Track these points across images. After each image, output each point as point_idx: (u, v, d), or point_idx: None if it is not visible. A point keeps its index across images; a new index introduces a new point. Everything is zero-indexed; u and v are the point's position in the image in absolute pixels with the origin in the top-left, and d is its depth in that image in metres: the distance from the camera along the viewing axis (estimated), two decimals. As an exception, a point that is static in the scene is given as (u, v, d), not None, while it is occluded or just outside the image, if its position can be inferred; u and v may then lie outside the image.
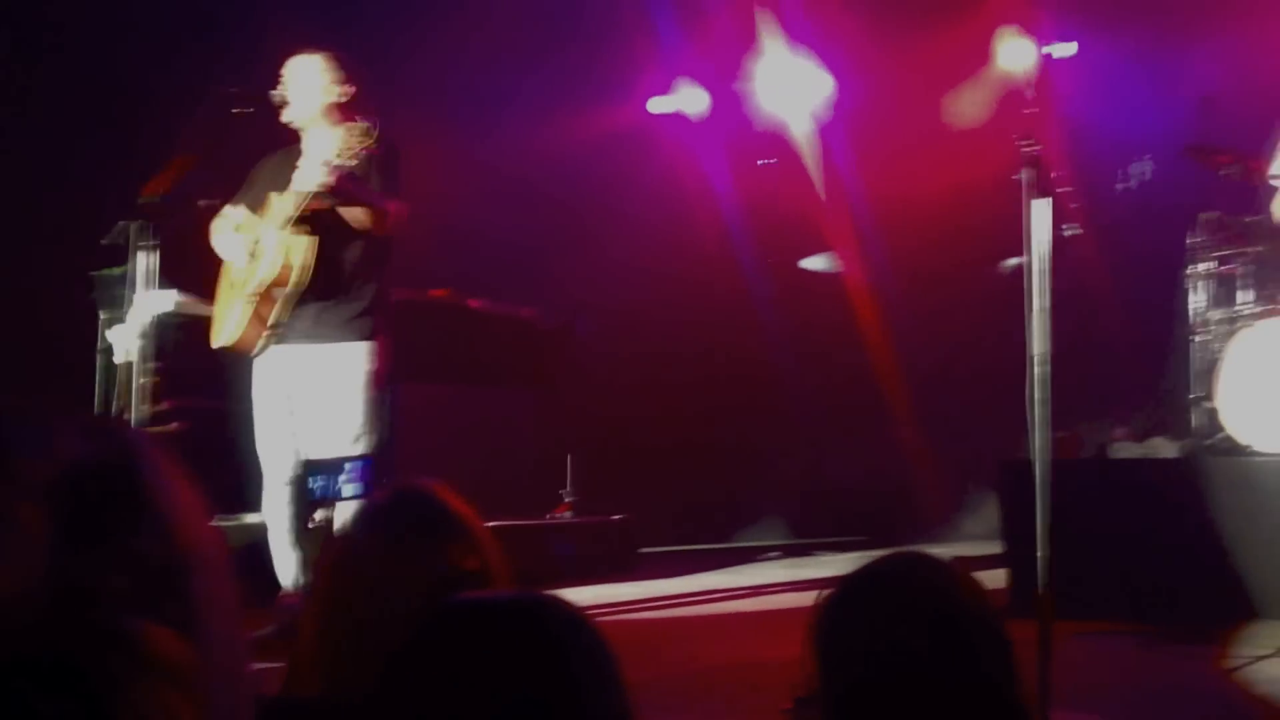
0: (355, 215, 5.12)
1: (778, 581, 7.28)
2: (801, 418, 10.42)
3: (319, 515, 5.10)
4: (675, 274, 10.23)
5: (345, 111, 5.34)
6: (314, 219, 5.10)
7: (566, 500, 8.50)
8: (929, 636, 1.76)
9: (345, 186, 5.00)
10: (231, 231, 5.31)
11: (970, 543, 8.29)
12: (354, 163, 4.96)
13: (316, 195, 5.01)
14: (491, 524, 7.35)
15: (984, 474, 7.91)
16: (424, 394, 7.89)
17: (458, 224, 9.06)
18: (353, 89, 5.35)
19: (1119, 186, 7.51)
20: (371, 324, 5.25)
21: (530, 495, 8.50)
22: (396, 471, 5.37)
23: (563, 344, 9.27)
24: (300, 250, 5.11)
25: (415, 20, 9.12)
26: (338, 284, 5.19)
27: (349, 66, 5.40)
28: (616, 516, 8.53)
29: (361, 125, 4.98)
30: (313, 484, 4.54)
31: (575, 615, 1.31)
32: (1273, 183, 4.83)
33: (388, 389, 5.36)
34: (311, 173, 4.98)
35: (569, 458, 8.62)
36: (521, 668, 1.23)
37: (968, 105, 9.32)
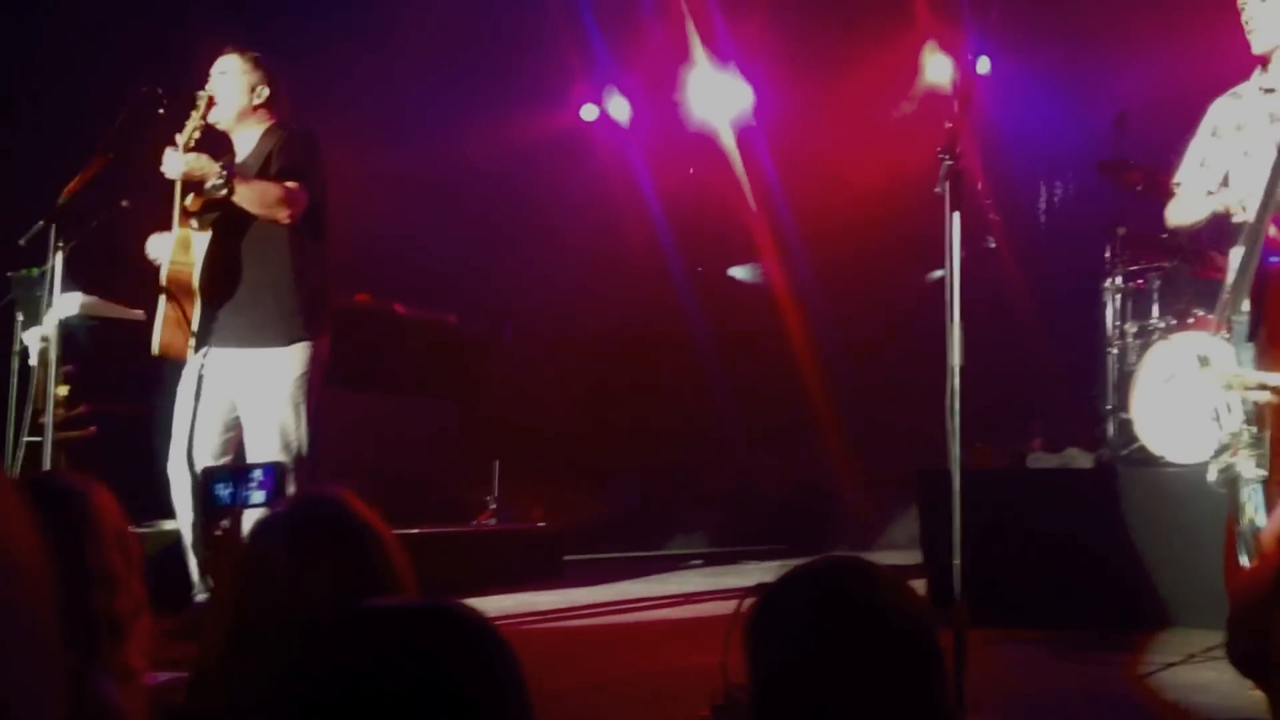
0: (248, 203, 5.05)
1: (700, 590, 7.30)
2: (727, 427, 10.46)
3: (224, 523, 5.03)
4: (603, 281, 10.24)
5: (268, 111, 5.32)
6: (212, 218, 5.07)
7: (491, 507, 8.47)
8: (858, 641, 1.77)
9: (212, 176, 4.97)
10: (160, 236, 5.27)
11: (893, 551, 8.37)
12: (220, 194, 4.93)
13: (207, 193, 4.98)
14: (413, 532, 7.34)
15: (907, 483, 7.99)
16: (346, 401, 7.82)
17: (382, 229, 9.00)
18: (273, 90, 5.32)
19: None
20: (302, 328, 5.18)
21: (455, 503, 8.47)
22: (315, 479, 5.32)
23: (488, 350, 9.23)
24: (193, 250, 5.09)
25: (342, 22, 9.06)
26: (261, 288, 5.13)
27: (271, 68, 5.37)
28: (541, 524, 8.51)
29: (220, 167, 4.97)
30: (220, 491, 4.45)
31: (478, 622, 1.31)
32: (1174, 189, 4.95)
33: (318, 395, 5.30)
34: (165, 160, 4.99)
35: (494, 465, 8.59)
36: (420, 675, 1.23)
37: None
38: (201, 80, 5.32)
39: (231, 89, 5.26)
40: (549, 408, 9.82)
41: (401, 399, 8.36)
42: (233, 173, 4.97)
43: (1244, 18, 4.56)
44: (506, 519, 8.46)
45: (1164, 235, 6.86)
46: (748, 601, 1.86)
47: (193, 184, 5.12)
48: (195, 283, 5.10)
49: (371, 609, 1.34)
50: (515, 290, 9.95)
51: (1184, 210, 4.93)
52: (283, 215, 5.11)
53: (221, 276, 5.11)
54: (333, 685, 1.23)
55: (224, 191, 4.94)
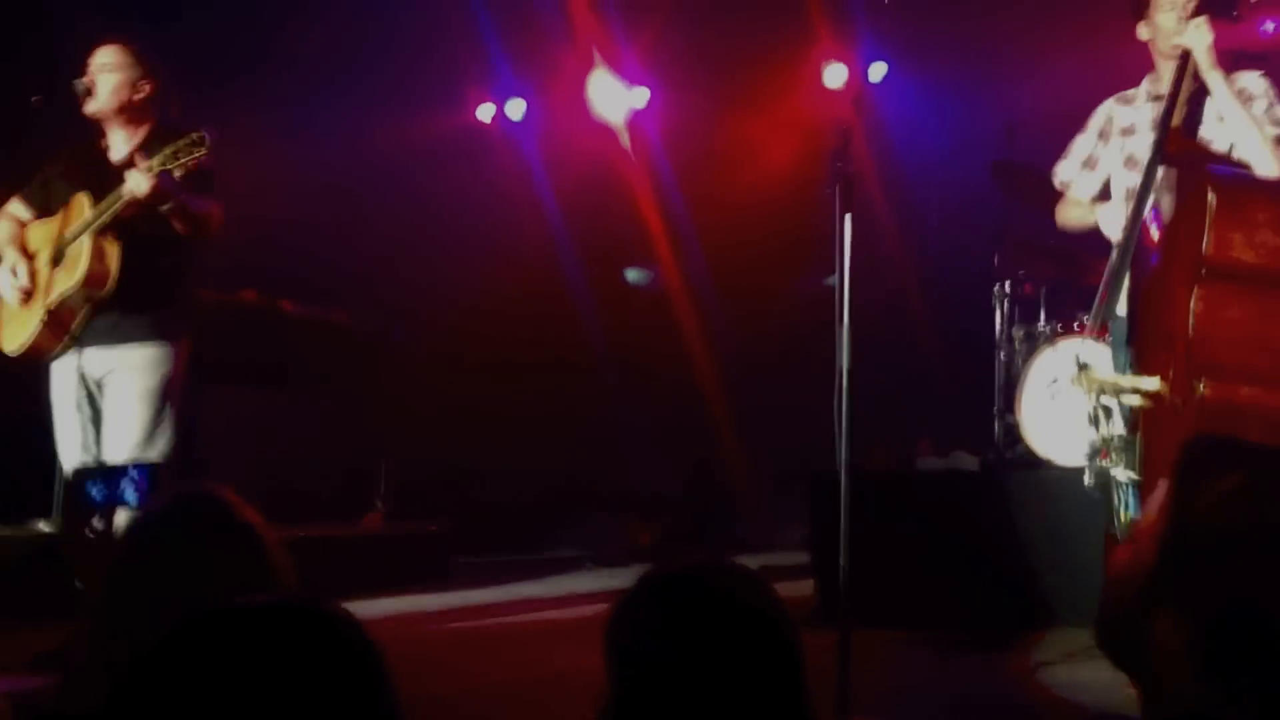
0: (176, 222, 4.92)
1: (591, 591, 7.28)
2: (621, 428, 10.45)
3: (97, 523, 4.90)
4: (498, 282, 10.17)
5: (151, 108, 5.18)
6: (129, 225, 4.90)
7: (380, 508, 8.37)
8: (715, 643, 1.75)
9: (165, 192, 4.80)
10: (12, 232, 5.10)
11: (786, 553, 8.41)
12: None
13: (134, 202, 4.80)
14: (299, 533, 7.20)
15: (800, 485, 8.04)
16: (232, 398, 7.69)
17: (273, 226, 8.87)
18: (156, 83, 5.17)
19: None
20: (172, 327, 5.07)
21: (343, 503, 8.36)
22: (194, 478, 5.20)
23: (378, 350, 9.12)
24: (113, 258, 4.91)
25: (235, 17, 8.91)
26: (146, 289, 5.00)
27: (155, 60, 5.22)
28: (431, 526, 8.42)
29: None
30: (93, 490, 4.36)
31: (343, 621, 1.28)
32: (1057, 185, 5.03)
33: (187, 394, 5.17)
34: (134, 179, 4.77)
35: (383, 465, 8.48)
36: (282, 673, 1.20)
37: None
38: (81, 71, 5.16)
39: (111, 83, 5.10)
40: (441, 408, 9.73)
41: (289, 397, 8.23)
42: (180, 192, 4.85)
43: (1179, 13, 4.55)
44: (395, 520, 8.37)
45: (1051, 242, 6.99)
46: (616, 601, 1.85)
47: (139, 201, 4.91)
48: (103, 288, 4.92)
49: (234, 607, 1.31)
50: (408, 289, 9.85)
51: (1070, 213, 5.01)
52: (207, 235, 5.01)
53: (127, 280, 4.96)
54: (194, 683, 1.21)
55: (169, 206, 4.83)
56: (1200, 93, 4.53)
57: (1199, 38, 4.41)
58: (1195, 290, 4.05)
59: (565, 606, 6.91)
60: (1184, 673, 1.33)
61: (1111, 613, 1.54)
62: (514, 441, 9.93)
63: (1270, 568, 1.30)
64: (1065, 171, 4.98)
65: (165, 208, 4.83)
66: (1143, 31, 4.72)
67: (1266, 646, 1.27)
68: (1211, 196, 4.07)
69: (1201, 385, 3.98)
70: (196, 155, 4.73)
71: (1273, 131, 4.44)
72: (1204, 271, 4.05)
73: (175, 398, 5.03)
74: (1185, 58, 4.48)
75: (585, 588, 7.56)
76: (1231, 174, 4.31)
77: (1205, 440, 1.57)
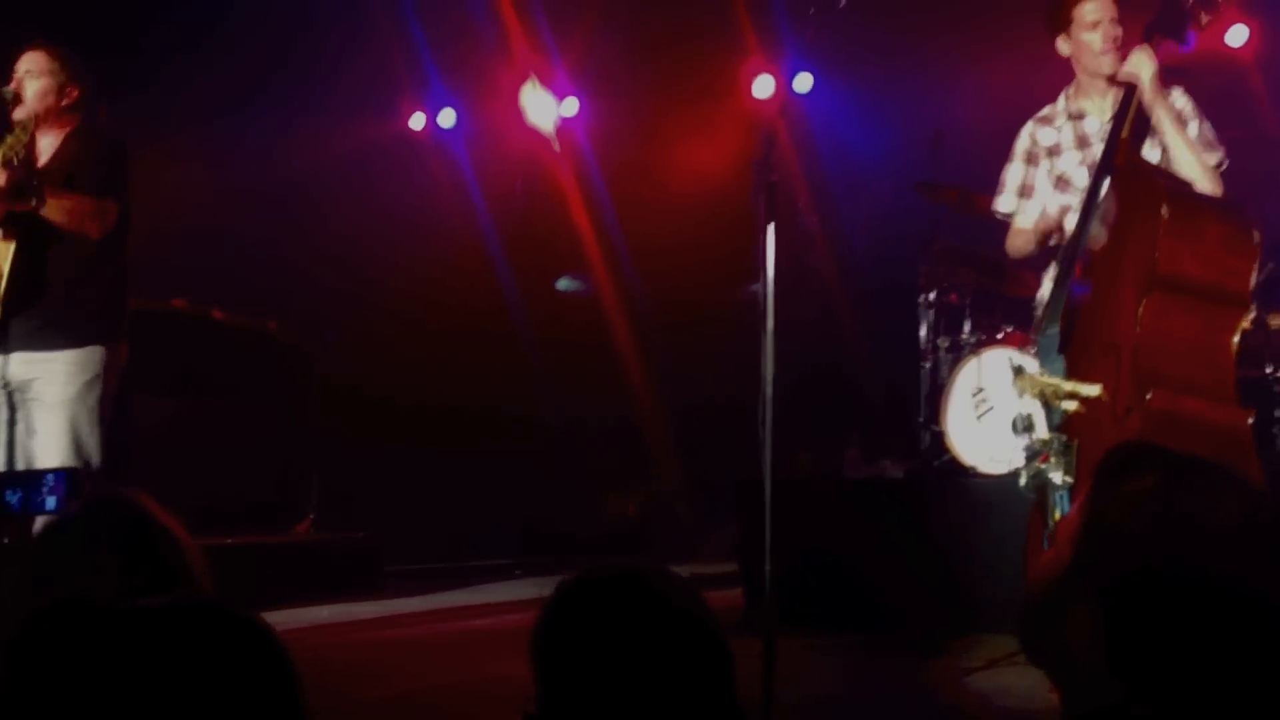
0: (57, 216, 4.89)
1: (520, 598, 7.27)
2: (553, 435, 10.44)
3: (12, 532, 4.83)
4: (429, 289, 10.14)
5: (78, 113, 5.14)
6: (20, 222, 4.87)
7: (309, 517, 8.31)
8: (644, 646, 1.76)
9: (17, 184, 4.78)
10: None
11: (716, 560, 8.43)
12: (15, 161, 4.77)
13: (12, 203, 4.79)
14: (228, 541, 7.15)
15: (730, 492, 8.08)
16: (161, 407, 7.61)
17: (204, 234, 8.81)
18: (82, 89, 5.14)
19: None
20: (98, 332, 5.02)
21: (272, 512, 8.29)
22: (115, 484, 5.14)
23: (309, 357, 9.07)
24: (4, 258, 4.88)
25: (165, 24, 8.84)
26: (61, 293, 4.96)
27: (80, 66, 5.18)
28: (360, 533, 8.38)
29: (21, 122, 4.82)
30: (10, 497, 4.28)
31: (248, 622, 1.28)
32: (999, 217, 5.07)
33: (115, 401, 5.12)
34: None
35: (313, 474, 8.43)
36: (183, 673, 1.20)
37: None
38: (7, 78, 5.11)
39: (38, 88, 5.06)
40: (373, 416, 9.68)
41: (218, 405, 8.16)
42: (43, 184, 4.81)
43: (1103, 37, 4.63)
44: (324, 529, 8.32)
45: (975, 252, 7.09)
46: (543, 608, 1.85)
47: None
48: None
49: (137, 608, 1.31)
50: (339, 297, 9.80)
51: (1020, 243, 5.00)
52: (92, 231, 4.96)
53: (18, 280, 4.91)
54: (96, 683, 1.20)
55: (34, 202, 4.79)
56: (1141, 114, 4.59)
57: (1145, 68, 4.46)
58: (1144, 300, 4.11)
59: (495, 614, 6.89)
60: (1095, 668, 1.36)
61: (1031, 613, 1.58)
62: (446, 449, 9.89)
63: (1173, 564, 1.33)
64: (1004, 204, 5.03)
65: (32, 202, 4.80)
66: (1063, 47, 4.77)
67: (1169, 640, 1.31)
68: (1165, 209, 4.12)
69: (1146, 394, 4.04)
70: (20, 142, 4.75)
71: (1211, 159, 4.54)
72: (1154, 283, 4.10)
73: (102, 405, 4.99)
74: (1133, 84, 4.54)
75: (516, 595, 7.55)
76: (1185, 189, 4.37)
77: (1125, 445, 1.60)
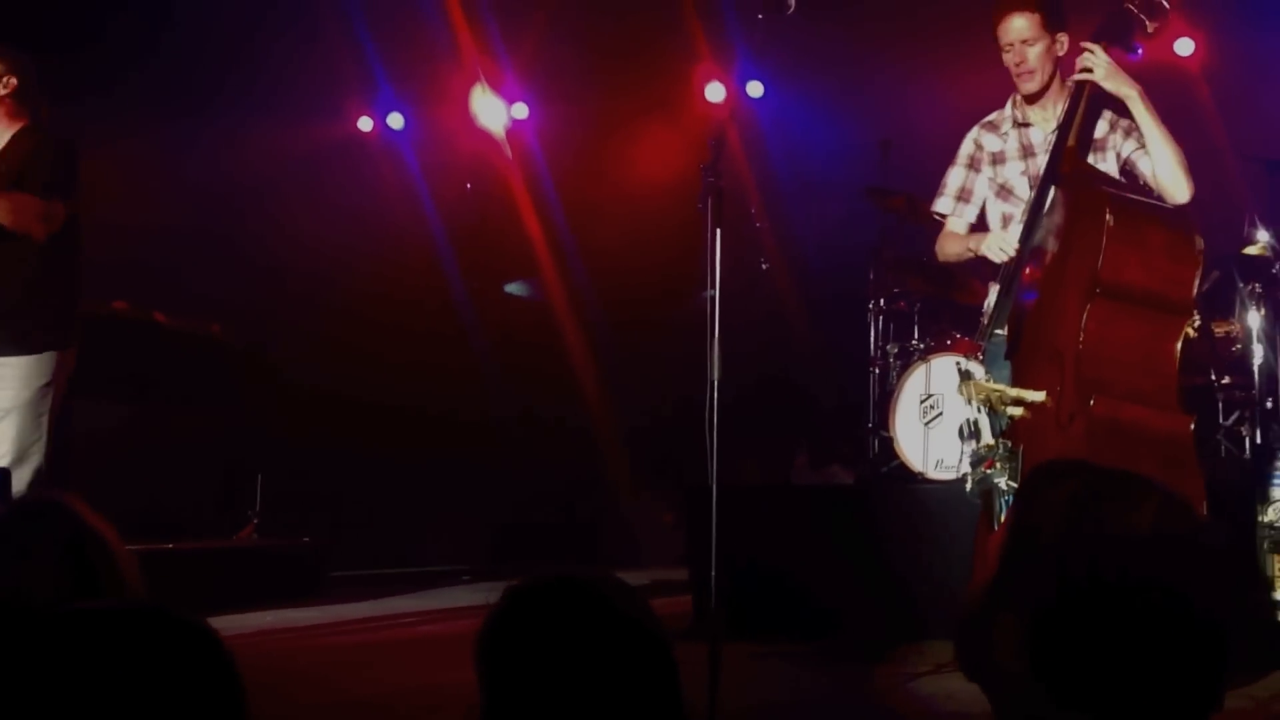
0: (7, 219, 4.81)
1: (467, 604, 7.23)
2: (502, 442, 10.39)
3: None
4: (377, 293, 10.09)
5: (18, 107, 5.07)
6: None
7: (252, 522, 8.23)
8: (588, 652, 1.74)
9: None
10: None
11: (665, 567, 8.42)
12: None
13: None
14: (170, 547, 7.05)
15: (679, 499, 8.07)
16: (103, 411, 7.51)
17: (146, 235, 8.72)
18: (24, 85, 5.06)
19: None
20: (49, 338, 4.96)
21: (216, 517, 8.21)
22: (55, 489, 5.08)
23: (254, 361, 8.98)
24: None
25: (113, 26, 8.75)
26: (4, 293, 4.89)
27: (22, 61, 5.11)
28: (305, 539, 8.30)
29: None
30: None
31: (189, 626, 1.26)
32: (936, 218, 5.08)
33: (57, 405, 5.05)
34: None
35: (257, 478, 8.35)
36: (124, 677, 1.18)
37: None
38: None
39: None
40: (319, 421, 9.61)
41: (160, 409, 8.06)
42: None
43: (1011, 61, 4.62)
44: (268, 534, 8.24)
45: (924, 260, 7.12)
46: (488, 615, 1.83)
47: None
48: None
49: (72, 611, 1.28)
50: (285, 301, 9.73)
51: (949, 246, 5.02)
52: (38, 232, 4.89)
53: None
54: (35, 687, 1.19)
55: None
56: (1090, 119, 4.60)
57: (1098, 66, 4.44)
58: (1088, 307, 4.12)
59: (442, 620, 6.86)
60: (1020, 675, 1.37)
61: (963, 624, 1.58)
62: (392, 454, 9.83)
63: (1089, 573, 1.35)
64: (942, 205, 5.03)
65: None
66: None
67: (1089, 648, 1.32)
68: (1110, 216, 4.14)
69: (1088, 401, 4.06)
70: None
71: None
72: (1098, 290, 4.12)
73: (50, 410, 4.93)
74: (1080, 85, 4.53)
75: (462, 601, 7.51)
76: (1129, 196, 4.37)
77: (1056, 460, 1.62)
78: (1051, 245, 4.46)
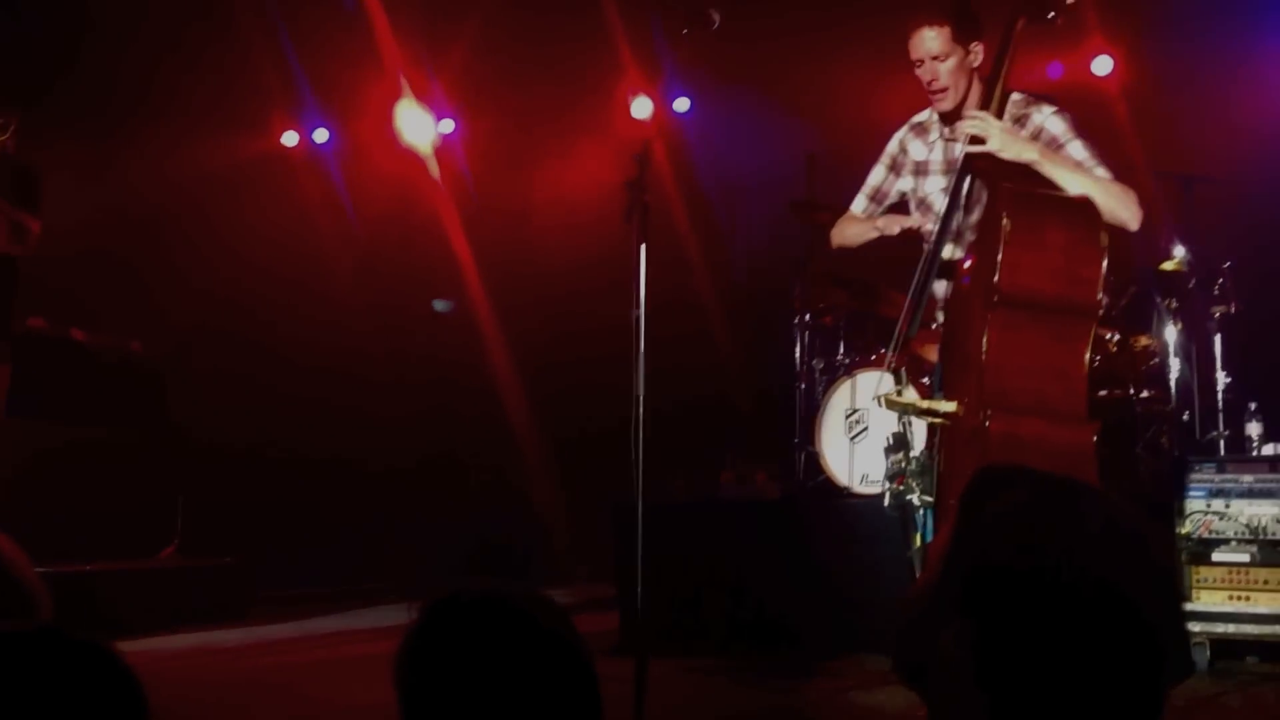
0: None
1: (394, 623, 7.14)
2: (430, 458, 10.32)
3: None
4: (301, 309, 9.99)
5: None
6: None
7: (174, 542, 8.10)
8: (509, 669, 1.72)
9: None
10: None
11: (592, 584, 8.40)
12: None
13: None
14: (88, 568, 6.91)
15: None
16: (19, 429, 7.36)
17: (65, 251, 8.57)
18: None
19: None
20: None
21: (137, 537, 8.07)
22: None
23: (176, 378, 8.85)
24: None
25: (38, 41, 8.63)
26: None
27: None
28: (229, 559, 8.18)
29: None
30: None
31: (91, 648, 1.23)
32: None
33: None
34: None
35: (180, 497, 8.22)
36: (19, 701, 1.14)
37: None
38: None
39: None
40: (244, 438, 9.49)
41: (79, 427, 7.92)
42: None
43: (923, 78, 4.49)
44: (191, 554, 8.11)
45: (849, 274, 7.16)
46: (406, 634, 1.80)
47: None
48: None
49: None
50: (208, 317, 9.60)
51: (848, 228, 4.92)
52: (16, 250, 4.81)
53: None
54: None
55: None
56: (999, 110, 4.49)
57: (990, 134, 4.25)
58: (989, 316, 4.01)
59: (367, 640, 6.78)
60: (964, 686, 1.37)
61: (902, 632, 1.58)
62: (317, 472, 9.73)
63: (1038, 580, 1.34)
64: (856, 205, 4.97)
65: None
66: None
67: (1036, 657, 1.32)
68: (1006, 221, 4.00)
69: (986, 417, 3.97)
70: None
71: (1105, 173, 4.33)
72: (996, 298, 4.00)
73: None
74: (993, 83, 4.37)
75: (389, 620, 7.43)
76: (1027, 194, 4.17)
77: (996, 465, 1.62)
78: (972, 248, 4.40)
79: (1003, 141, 4.23)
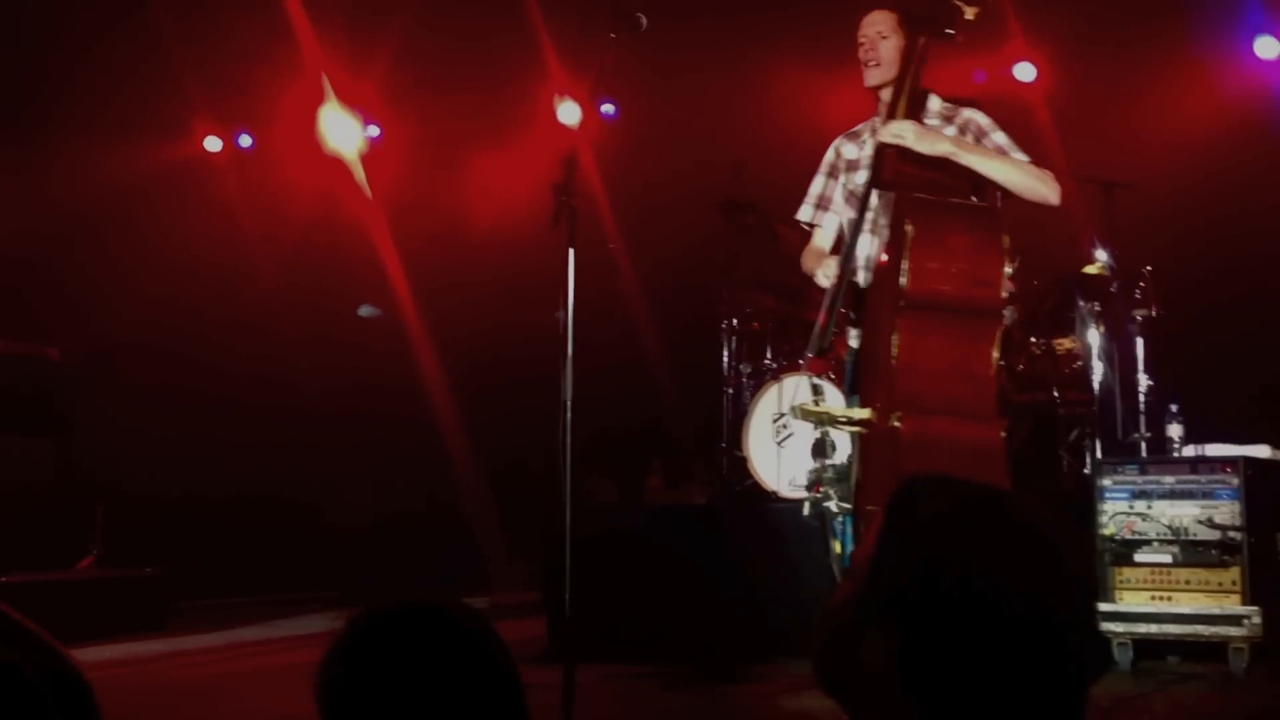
0: None
1: (317, 631, 7.07)
2: (355, 465, 10.22)
3: None
4: (226, 317, 9.86)
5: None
6: None
7: (92, 553, 7.94)
8: (432, 680, 1.69)
9: None
10: None
11: (522, 590, 8.34)
12: None
13: None
14: (5, 580, 6.74)
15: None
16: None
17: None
18: None
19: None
20: None
21: (54, 548, 7.90)
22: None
23: (94, 385, 8.69)
24: None
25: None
26: None
27: None
28: (148, 569, 8.04)
29: None
30: None
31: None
32: (804, 227, 5.04)
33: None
34: None
35: (97, 508, 8.06)
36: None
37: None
38: None
39: None
40: (165, 447, 9.34)
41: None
42: None
43: (863, 54, 4.66)
44: (109, 565, 7.96)
45: (775, 279, 7.18)
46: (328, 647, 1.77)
47: None
48: None
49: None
50: (129, 323, 9.44)
51: (808, 261, 5.00)
52: None
53: None
54: None
55: None
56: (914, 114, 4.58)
57: (904, 133, 4.41)
58: (897, 321, 4.11)
59: (290, 649, 6.70)
60: (888, 692, 1.36)
61: (825, 640, 1.56)
62: (242, 479, 9.60)
63: (962, 586, 1.34)
64: (803, 213, 5.03)
65: None
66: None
67: (960, 661, 1.31)
68: (909, 227, 4.13)
69: (896, 419, 4.04)
70: None
71: (1023, 157, 4.50)
72: (903, 303, 4.10)
73: None
74: (899, 84, 4.52)
75: (313, 629, 7.34)
76: (929, 202, 4.32)
77: (922, 475, 1.62)
78: (883, 256, 4.46)
79: (918, 135, 4.41)
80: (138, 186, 9.83)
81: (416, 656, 1.70)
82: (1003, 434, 4.18)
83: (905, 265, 4.10)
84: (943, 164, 4.43)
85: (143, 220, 9.84)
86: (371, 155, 10.38)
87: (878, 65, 4.64)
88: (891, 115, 4.49)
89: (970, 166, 4.42)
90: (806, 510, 4.43)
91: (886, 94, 4.62)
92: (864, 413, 4.23)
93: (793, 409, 4.49)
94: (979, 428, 4.16)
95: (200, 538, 9.02)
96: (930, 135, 4.45)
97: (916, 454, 3.95)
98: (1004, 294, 4.29)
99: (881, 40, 4.62)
